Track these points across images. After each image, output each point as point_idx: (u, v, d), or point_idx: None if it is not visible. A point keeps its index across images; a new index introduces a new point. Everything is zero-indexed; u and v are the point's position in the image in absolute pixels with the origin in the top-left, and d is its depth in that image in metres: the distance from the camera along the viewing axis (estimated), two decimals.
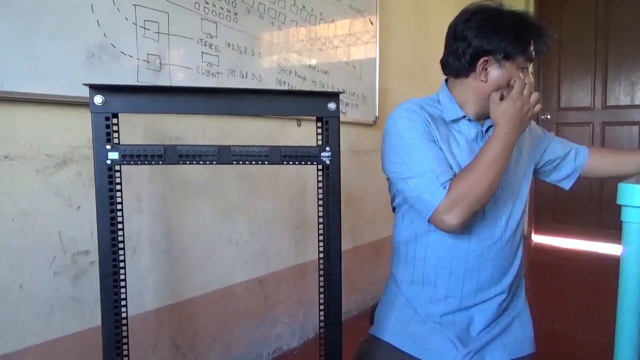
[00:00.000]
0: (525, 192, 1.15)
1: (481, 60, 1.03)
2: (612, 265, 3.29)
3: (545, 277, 3.04)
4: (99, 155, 0.93)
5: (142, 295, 1.40)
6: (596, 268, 3.21)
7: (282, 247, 1.93)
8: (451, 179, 0.97)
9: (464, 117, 1.08)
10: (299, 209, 1.99)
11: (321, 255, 1.03)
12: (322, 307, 1.04)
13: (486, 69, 1.04)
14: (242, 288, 1.74)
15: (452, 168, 1.02)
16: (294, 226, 1.98)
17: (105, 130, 0.93)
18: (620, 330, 1.15)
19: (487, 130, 1.10)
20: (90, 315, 1.25)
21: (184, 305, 1.53)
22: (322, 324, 1.04)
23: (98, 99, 0.91)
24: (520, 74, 1.04)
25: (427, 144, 1.02)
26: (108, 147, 0.93)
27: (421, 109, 1.07)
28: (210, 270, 1.62)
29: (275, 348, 1.92)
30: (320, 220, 1.03)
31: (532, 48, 1.03)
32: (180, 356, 1.53)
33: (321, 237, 1.04)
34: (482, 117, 1.10)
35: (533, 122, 1.19)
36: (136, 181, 1.37)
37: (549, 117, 4.18)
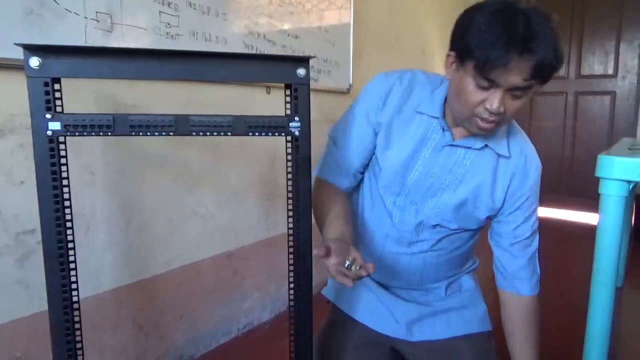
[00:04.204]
0: (468, 224, 0.99)
1: (448, 52, 0.87)
2: (577, 232, 3.35)
3: None
4: (38, 126, 0.83)
5: (98, 275, 1.31)
6: (562, 236, 3.26)
7: (252, 220, 1.86)
8: (331, 178, 1.01)
9: (437, 118, 0.95)
10: (269, 179, 1.91)
11: (291, 232, 0.97)
12: (292, 285, 0.98)
13: (452, 66, 0.87)
14: (209, 264, 1.67)
15: (359, 162, 1.01)
16: (264, 198, 1.90)
17: (45, 98, 0.83)
18: (595, 298, 1.14)
19: (453, 145, 0.95)
20: (40, 299, 1.15)
21: (146, 283, 1.45)
22: (292, 303, 0.99)
23: (34, 62, 0.80)
24: (474, 86, 0.81)
25: (356, 124, 1.00)
26: (48, 116, 0.83)
27: (409, 83, 0.97)
28: (174, 246, 1.54)
29: (245, 323, 1.87)
30: (290, 195, 0.96)
31: (496, 58, 0.75)
32: (143, 335, 1.46)
33: (290, 213, 0.98)
34: (459, 124, 0.93)
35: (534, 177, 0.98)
36: (87, 153, 1.25)
37: None
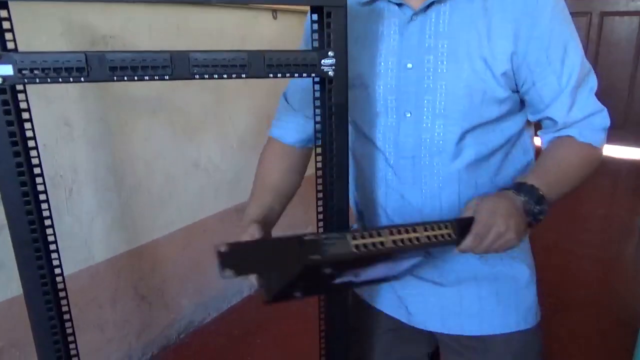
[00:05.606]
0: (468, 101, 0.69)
1: None
2: (608, 169, 3.11)
3: None
4: None
5: (87, 246, 1.11)
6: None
7: None
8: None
9: None
10: None
11: (320, 195, 0.77)
12: None
13: None
14: (216, 221, 1.48)
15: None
16: None
17: None
18: None
19: (416, 15, 0.69)
20: (18, 279, 0.97)
21: (145, 249, 1.26)
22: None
23: None
24: None
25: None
26: None
27: None
28: (175, 205, 1.33)
29: None
30: (319, 150, 0.75)
31: None
32: (147, 305, 1.30)
33: (319, 173, 0.77)
34: None
35: None
36: (59, 99, 1.01)
37: None
